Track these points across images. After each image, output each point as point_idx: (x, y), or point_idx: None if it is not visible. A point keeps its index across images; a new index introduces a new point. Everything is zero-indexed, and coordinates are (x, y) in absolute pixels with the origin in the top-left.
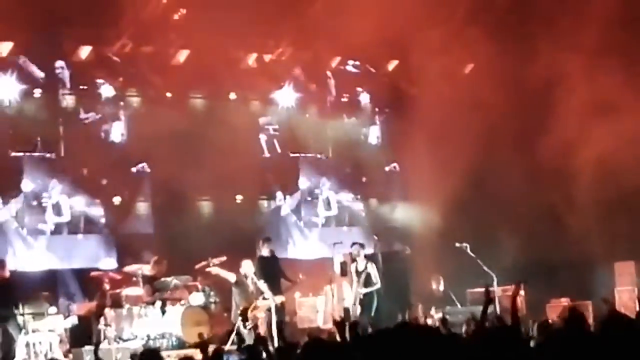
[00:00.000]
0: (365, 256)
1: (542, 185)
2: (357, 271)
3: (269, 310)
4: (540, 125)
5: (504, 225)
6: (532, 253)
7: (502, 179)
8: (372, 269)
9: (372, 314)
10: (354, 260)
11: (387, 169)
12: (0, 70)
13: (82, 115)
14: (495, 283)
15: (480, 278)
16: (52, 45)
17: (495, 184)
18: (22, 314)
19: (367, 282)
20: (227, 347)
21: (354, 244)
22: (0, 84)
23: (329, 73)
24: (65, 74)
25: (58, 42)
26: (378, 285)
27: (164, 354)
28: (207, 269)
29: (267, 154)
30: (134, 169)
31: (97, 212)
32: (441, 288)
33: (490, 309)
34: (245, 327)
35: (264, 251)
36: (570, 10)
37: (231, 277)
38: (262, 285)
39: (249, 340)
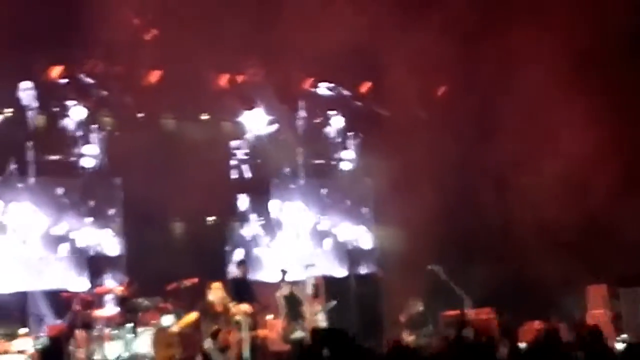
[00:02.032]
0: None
1: (515, 209)
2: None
3: (240, 331)
4: (513, 148)
5: (476, 249)
6: (504, 276)
7: (474, 203)
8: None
9: None
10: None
11: (360, 191)
12: None
13: (54, 136)
14: (468, 306)
15: (453, 301)
16: (22, 64)
17: (468, 208)
18: None
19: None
20: None
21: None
22: None
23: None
24: (34, 94)
25: (28, 62)
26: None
27: None
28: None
29: (238, 176)
30: (106, 190)
31: (67, 232)
32: (420, 309)
33: (464, 332)
34: (215, 348)
35: (237, 273)
36: (545, 27)
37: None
38: (234, 306)
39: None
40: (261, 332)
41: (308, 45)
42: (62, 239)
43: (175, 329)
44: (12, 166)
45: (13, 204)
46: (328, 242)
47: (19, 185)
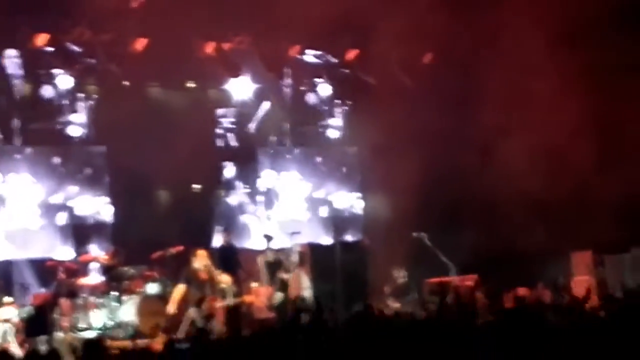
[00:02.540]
0: None
1: (499, 177)
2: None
3: (225, 299)
4: (498, 116)
5: (461, 216)
6: (489, 244)
7: (460, 170)
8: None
9: None
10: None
11: (346, 159)
12: None
13: (40, 104)
14: (453, 273)
15: (438, 268)
16: (7, 32)
17: (453, 175)
18: None
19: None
20: (179, 335)
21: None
22: None
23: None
24: (19, 62)
25: (12, 30)
26: None
27: (118, 344)
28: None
29: (224, 144)
30: (92, 158)
31: (54, 201)
32: (403, 278)
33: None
34: (200, 316)
35: (222, 241)
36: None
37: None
38: (219, 274)
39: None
40: (246, 299)
41: (294, 12)
42: (47, 208)
43: (171, 309)
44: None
45: (9, 174)
46: (316, 210)
47: (12, 154)
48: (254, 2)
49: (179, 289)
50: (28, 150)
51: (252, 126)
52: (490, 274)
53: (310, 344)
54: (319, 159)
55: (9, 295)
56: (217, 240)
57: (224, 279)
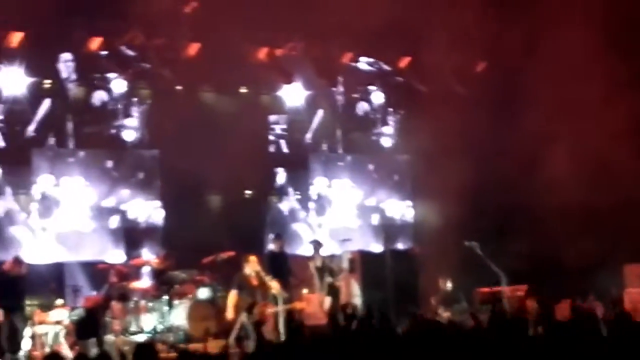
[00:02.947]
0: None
1: (550, 185)
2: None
3: (276, 305)
4: (549, 124)
5: (512, 225)
6: (540, 253)
7: (511, 178)
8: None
9: None
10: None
11: (398, 167)
12: (9, 61)
13: (94, 108)
14: (504, 283)
15: (488, 277)
16: (62, 36)
17: (505, 183)
18: (29, 306)
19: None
20: (229, 341)
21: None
22: (9, 76)
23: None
24: (74, 66)
25: (67, 33)
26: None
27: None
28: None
29: (277, 150)
30: (145, 162)
31: (107, 204)
32: (449, 287)
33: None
34: (249, 321)
35: (273, 247)
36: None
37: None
38: (270, 280)
39: (253, 335)
40: (297, 305)
41: (347, 18)
42: (100, 211)
43: (229, 315)
44: (52, 139)
45: (52, 175)
46: (367, 218)
47: (65, 157)
48: (306, 8)
49: (232, 295)
50: (81, 153)
51: (308, 136)
52: (541, 284)
53: (362, 350)
54: (370, 167)
55: (61, 297)
56: (269, 246)
57: (275, 285)
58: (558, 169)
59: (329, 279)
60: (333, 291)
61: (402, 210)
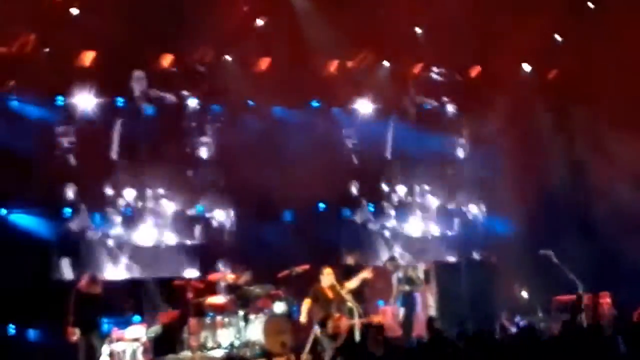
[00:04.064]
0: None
1: (627, 193)
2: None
3: (351, 318)
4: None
5: (589, 232)
6: (618, 260)
7: (587, 187)
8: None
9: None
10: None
11: (473, 177)
12: (83, 79)
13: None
14: (581, 290)
15: (565, 285)
16: (134, 54)
17: (581, 192)
18: (107, 323)
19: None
20: (304, 355)
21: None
22: (83, 93)
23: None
24: (147, 83)
25: (139, 51)
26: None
27: None
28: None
29: (350, 162)
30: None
31: (182, 221)
32: (524, 296)
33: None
34: (323, 335)
35: (349, 260)
36: None
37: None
38: (346, 293)
39: (328, 348)
40: (374, 318)
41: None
42: (175, 227)
43: (303, 319)
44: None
45: (128, 192)
46: (443, 227)
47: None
48: (377, 20)
49: (307, 301)
50: (155, 169)
51: (380, 147)
52: (619, 291)
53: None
54: (435, 178)
55: (138, 314)
56: (344, 259)
57: (350, 298)
58: (635, 176)
59: (406, 287)
60: (408, 302)
61: (478, 219)
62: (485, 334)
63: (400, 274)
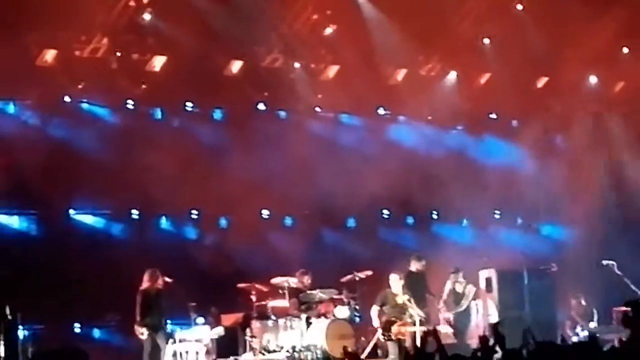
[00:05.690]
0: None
1: None
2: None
3: (414, 324)
4: None
5: None
6: None
7: None
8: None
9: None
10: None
11: (534, 187)
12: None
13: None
14: None
15: (627, 296)
16: (200, 61)
17: None
18: (171, 324)
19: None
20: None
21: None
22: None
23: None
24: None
25: (209, 57)
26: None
27: None
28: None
29: (414, 169)
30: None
31: None
32: (583, 304)
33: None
34: (386, 340)
35: (413, 267)
36: None
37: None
38: (410, 300)
39: (392, 353)
40: (437, 327)
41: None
42: None
43: (375, 324)
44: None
45: None
46: (504, 236)
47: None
48: (445, 29)
49: (374, 309)
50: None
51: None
52: None
53: None
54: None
55: (201, 315)
56: (410, 266)
57: (414, 305)
58: None
59: (469, 301)
60: (469, 312)
61: (537, 228)
62: (548, 344)
63: (456, 284)
